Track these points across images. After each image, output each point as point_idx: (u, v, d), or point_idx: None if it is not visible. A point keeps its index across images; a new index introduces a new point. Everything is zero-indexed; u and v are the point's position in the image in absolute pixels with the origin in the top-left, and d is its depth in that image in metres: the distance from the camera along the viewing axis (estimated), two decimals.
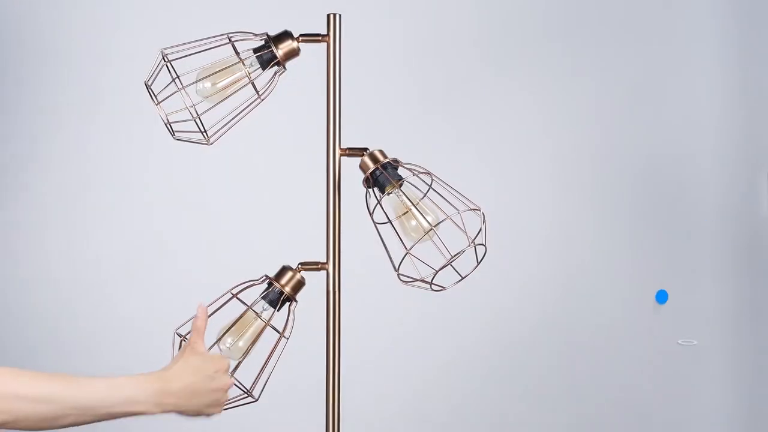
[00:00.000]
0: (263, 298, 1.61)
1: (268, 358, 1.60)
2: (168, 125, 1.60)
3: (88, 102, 2.48)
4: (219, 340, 1.58)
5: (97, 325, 2.48)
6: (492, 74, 2.76)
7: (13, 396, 1.20)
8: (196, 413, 1.39)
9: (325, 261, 1.65)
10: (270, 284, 1.61)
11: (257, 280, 1.62)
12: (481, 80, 2.74)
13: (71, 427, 1.28)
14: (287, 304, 1.61)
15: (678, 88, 2.90)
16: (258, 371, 1.61)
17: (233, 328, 1.59)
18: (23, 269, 2.45)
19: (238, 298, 1.59)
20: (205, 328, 1.46)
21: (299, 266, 1.63)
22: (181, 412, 1.37)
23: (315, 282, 1.66)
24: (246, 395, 1.60)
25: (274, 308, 1.61)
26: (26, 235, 2.46)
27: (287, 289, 1.61)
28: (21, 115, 2.48)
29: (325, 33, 1.64)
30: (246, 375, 1.62)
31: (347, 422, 1.76)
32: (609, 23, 2.85)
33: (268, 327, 1.60)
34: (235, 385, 1.56)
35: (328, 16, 1.65)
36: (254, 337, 1.60)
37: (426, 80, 2.70)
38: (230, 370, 1.51)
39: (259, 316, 1.60)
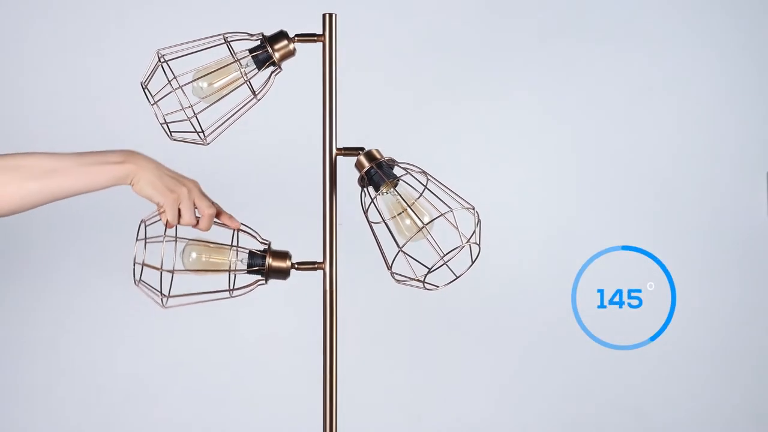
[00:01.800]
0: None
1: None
2: (164, 126, 1.61)
3: (84, 102, 2.49)
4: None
5: (97, 326, 2.48)
6: (489, 73, 2.76)
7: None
8: (148, 188, 1.52)
9: (321, 261, 1.66)
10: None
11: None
12: (477, 79, 2.74)
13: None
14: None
15: (677, 88, 2.89)
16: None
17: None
18: (22, 269, 2.45)
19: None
20: (200, 201, 1.55)
21: (296, 266, 1.63)
22: (136, 183, 1.52)
23: (312, 282, 1.67)
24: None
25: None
26: (23, 235, 2.46)
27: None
28: (19, 115, 2.49)
29: (321, 33, 1.65)
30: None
31: (345, 422, 1.76)
32: (606, 22, 2.85)
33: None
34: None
35: (324, 15, 1.65)
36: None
37: (422, 80, 2.70)
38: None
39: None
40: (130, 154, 1.53)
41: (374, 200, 1.60)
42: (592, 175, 2.85)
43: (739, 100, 2.91)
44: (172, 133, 1.62)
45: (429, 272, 1.55)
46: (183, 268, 1.59)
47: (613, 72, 2.85)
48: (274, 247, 1.63)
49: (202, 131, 1.61)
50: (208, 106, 1.62)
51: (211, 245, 1.60)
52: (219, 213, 1.59)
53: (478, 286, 2.20)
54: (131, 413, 2.64)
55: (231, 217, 1.61)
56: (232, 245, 1.61)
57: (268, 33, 1.62)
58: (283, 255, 1.62)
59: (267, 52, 1.60)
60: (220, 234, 1.61)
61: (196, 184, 1.56)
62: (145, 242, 1.57)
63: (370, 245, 1.61)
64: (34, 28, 2.53)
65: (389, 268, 1.58)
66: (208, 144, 1.63)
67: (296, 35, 1.63)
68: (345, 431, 1.75)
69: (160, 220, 1.55)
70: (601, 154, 2.85)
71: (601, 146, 2.85)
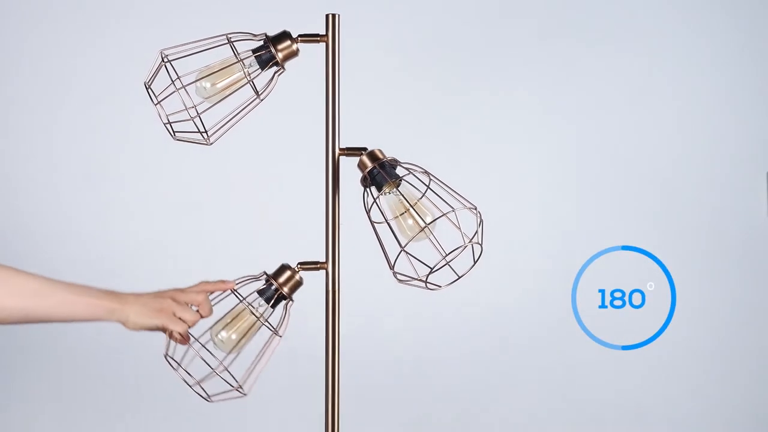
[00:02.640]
0: (260, 294, 1.62)
1: (259, 354, 1.60)
2: (168, 126, 1.61)
3: (87, 102, 2.49)
4: (211, 329, 1.59)
5: (97, 325, 2.48)
6: (490, 73, 2.76)
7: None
8: (139, 318, 1.51)
9: (324, 261, 1.66)
10: (268, 281, 1.62)
11: (257, 276, 1.62)
12: (479, 80, 2.75)
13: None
14: (283, 302, 1.62)
15: (677, 88, 2.90)
16: (251, 367, 1.61)
17: (228, 321, 1.59)
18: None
19: (235, 293, 1.59)
20: (187, 297, 1.56)
21: (298, 266, 1.64)
22: (125, 320, 1.51)
23: (314, 281, 1.67)
24: (236, 390, 1.60)
25: (270, 306, 1.61)
26: (24, 237, 2.47)
27: (285, 289, 1.61)
28: (20, 115, 2.49)
29: (324, 33, 1.65)
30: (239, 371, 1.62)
31: (346, 422, 1.77)
32: (606, 22, 2.85)
33: (264, 325, 1.60)
34: (226, 380, 1.57)
35: (327, 16, 1.65)
36: (247, 331, 1.60)
37: (425, 80, 2.70)
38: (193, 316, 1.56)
39: (254, 312, 1.60)
40: (115, 295, 1.53)
41: (377, 200, 1.60)
42: (592, 175, 2.85)
43: (739, 100, 2.92)
44: (176, 133, 1.62)
45: (431, 272, 1.55)
46: (227, 354, 1.59)
47: (614, 72, 2.85)
48: (270, 270, 1.63)
49: (206, 131, 1.62)
50: (211, 106, 1.62)
51: (228, 317, 1.60)
52: (209, 291, 1.59)
53: (478, 286, 2.20)
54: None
55: (220, 281, 1.61)
56: (241, 301, 1.61)
57: (271, 33, 1.62)
58: (283, 270, 1.62)
59: (270, 52, 1.61)
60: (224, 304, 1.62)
61: (173, 289, 1.57)
62: (180, 366, 1.56)
63: (373, 245, 1.61)
64: (36, 28, 2.54)
65: (391, 267, 1.58)
66: (212, 144, 1.63)
67: (299, 35, 1.63)
68: (346, 430, 1.75)
69: (174, 341, 1.56)
70: (602, 154, 2.85)
71: (602, 146, 2.85)
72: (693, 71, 2.91)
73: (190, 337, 1.56)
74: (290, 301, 1.62)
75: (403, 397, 2.70)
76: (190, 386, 1.58)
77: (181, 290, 1.57)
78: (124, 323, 1.53)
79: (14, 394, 2.61)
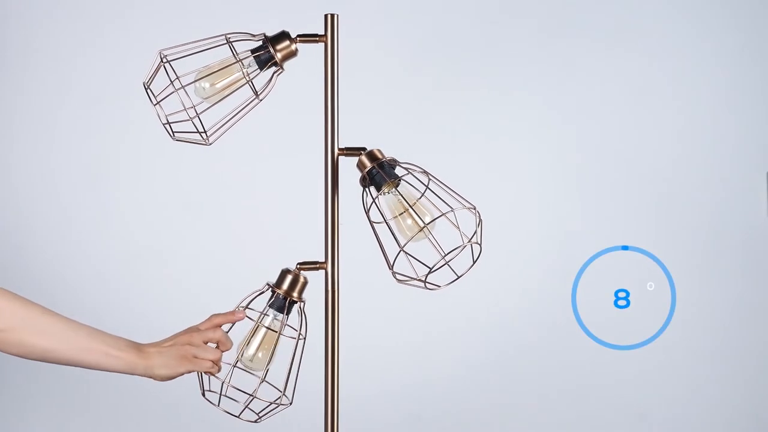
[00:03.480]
0: (271, 306, 1.62)
1: (291, 362, 1.60)
2: (167, 126, 1.61)
3: (86, 103, 2.49)
4: (239, 356, 1.61)
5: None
6: (490, 73, 2.76)
7: (10, 308, 1.48)
8: (164, 371, 1.55)
9: (323, 261, 1.66)
10: (274, 292, 1.62)
11: (262, 289, 1.63)
12: (479, 79, 2.75)
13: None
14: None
15: (677, 88, 2.90)
16: (286, 377, 1.61)
17: (250, 341, 1.60)
18: (23, 272, 2.46)
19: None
20: (204, 336, 1.60)
21: (298, 266, 1.64)
22: (161, 362, 1.55)
23: (313, 281, 1.67)
24: (279, 400, 1.61)
25: (284, 313, 1.62)
26: (24, 236, 2.47)
27: (294, 294, 1.62)
28: (20, 115, 2.49)
29: (323, 33, 1.65)
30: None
31: (346, 421, 1.77)
32: (606, 22, 2.85)
33: (283, 336, 1.61)
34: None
35: (326, 16, 1.65)
36: (272, 344, 1.61)
37: (423, 80, 2.71)
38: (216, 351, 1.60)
39: (272, 329, 1.61)
40: (136, 349, 1.56)
41: (376, 200, 1.60)
42: (592, 174, 2.85)
43: (739, 100, 2.91)
44: (175, 134, 1.63)
45: (430, 272, 1.56)
46: (263, 369, 1.62)
47: (614, 71, 2.85)
48: (272, 278, 1.64)
49: (205, 131, 1.62)
50: (210, 107, 1.62)
51: (248, 338, 1.61)
52: (222, 323, 1.62)
53: (478, 285, 2.20)
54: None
55: (230, 313, 1.63)
56: (259, 324, 1.62)
57: (270, 33, 1.62)
58: (285, 276, 1.63)
59: (269, 52, 1.61)
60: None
61: (188, 331, 1.60)
62: (222, 394, 1.61)
63: (372, 245, 1.61)
64: (35, 28, 2.54)
65: (391, 267, 1.58)
66: (211, 144, 1.63)
67: (298, 36, 1.63)
68: (345, 431, 1.75)
69: (210, 375, 1.61)
70: (602, 154, 2.85)
71: (602, 146, 2.85)
72: (693, 71, 2.91)
73: (222, 365, 1.60)
74: (302, 303, 1.63)
75: (403, 396, 2.70)
76: (236, 416, 1.61)
77: (197, 330, 1.60)
78: (150, 377, 1.56)
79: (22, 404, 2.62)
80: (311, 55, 1.72)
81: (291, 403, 1.63)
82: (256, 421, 1.62)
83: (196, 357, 1.58)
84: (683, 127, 2.91)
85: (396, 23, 2.70)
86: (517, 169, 2.80)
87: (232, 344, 1.63)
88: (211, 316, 1.62)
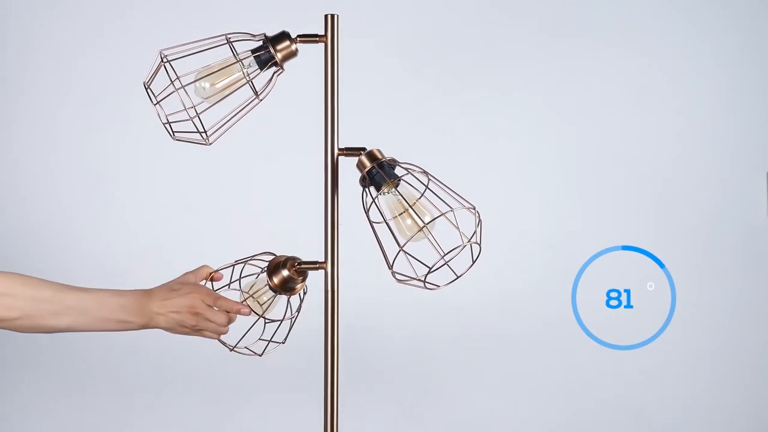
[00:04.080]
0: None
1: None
2: (167, 126, 1.61)
3: (86, 102, 2.50)
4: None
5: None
6: (490, 73, 2.77)
7: (22, 296, 1.51)
8: (170, 331, 1.60)
9: (323, 260, 1.66)
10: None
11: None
12: (478, 79, 2.75)
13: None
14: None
15: (677, 88, 2.90)
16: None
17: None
18: (24, 271, 2.46)
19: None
20: (204, 281, 1.65)
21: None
22: (166, 326, 1.60)
23: (313, 281, 1.67)
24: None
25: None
26: (24, 236, 2.47)
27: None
28: (20, 116, 2.49)
29: (323, 33, 1.65)
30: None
31: (346, 421, 1.77)
32: (606, 22, 2.86)
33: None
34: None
35: (326, 16, 1.66)
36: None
37: (423, 80, 2.71)
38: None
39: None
40: (140, 310, 1.59)
41: (375, 200, 1.60)
42: (592, 175, 2.85)
43: (739, 100, 2.91)
44: (175, 133, 1.63)
45: (430, 272, 1.56)
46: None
47: (614, 71, 2.85)
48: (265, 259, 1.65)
49: (205, 131, 1.62)
50: (210, 107, 1.62)
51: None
52: (226, 309, 1.64)
53: (478, 285, 2.20)
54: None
55: (239, 306, 1.64)
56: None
57: (271, 34, 1.62)
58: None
59: (269, 52, 1.61)
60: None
61: (193, 297, 1.61)
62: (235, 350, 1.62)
63: (372, 245, 1.62)
64: (35, 28, 2.54)
65: (390, 267, 1.58)
66: (211, 144, 1.64)
67: (298, 36, 1.63)
68: (345, 430, 1.76)
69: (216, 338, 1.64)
70: (602, 154, 2.86)
71: (602, 146, 2.86)
72: (693, 71, 2.91)
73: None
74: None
75: (402, 395, 2.70)
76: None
77: (202, 304, 1.60)
78: (151, 325, 1.60)
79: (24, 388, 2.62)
80: (311, 55, 1.72)
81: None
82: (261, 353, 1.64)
83: (199, 330, 1.60)
84: (683, 127, 2.91)
85: (396, 23, 2.70)
86: (517, 169, 2.80)
87: (247, 309, 1.64)
88: (221, 300, 1.62)
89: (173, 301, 1.60)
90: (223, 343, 1.66)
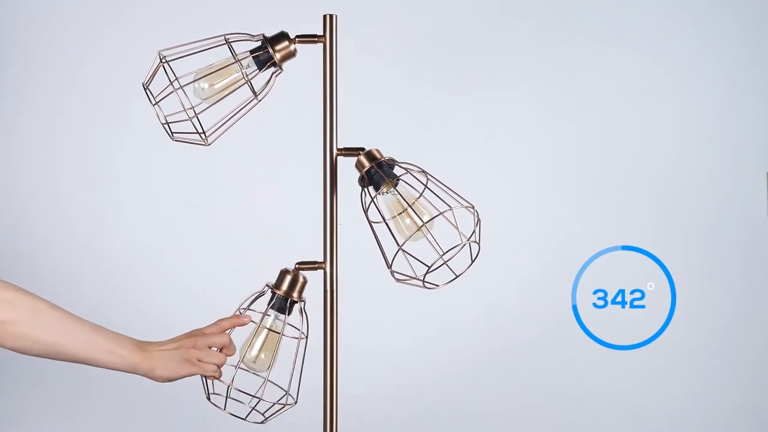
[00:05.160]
0: (271, 307, 1.62)
1: (294, 361, 1.61)
2: (166, 126, 1.61)
3: (85, 103, 2.50)
4: (242, 357, 1.61)
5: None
6: (489, 73, 2.77)
7: (19, 301, 1.49)
8: (166, 373, 1.56)
9: (322, 260, 1.66)
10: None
11: (261, 290, 1.63)
12: (478, 79, 2.75)
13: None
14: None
15: (678, 87, 2.90)
16: (290, 376, 1.62)
17: (252, 342, 1.61)
18: (24, 271, 2.46)
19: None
20: (209, 341, 1.60)
21: (296, 266, 1.64)
22: (163, 364, 1.57)
23: (312, 281, 1.68)
24: (284, 399, 1.62)
25: (285, 313, 1.62)
26: (24, 236, 2.48)
27: (294, 295, 1.62)
28: (19, 116, 2.50)
29: (322, 34, 1.66)
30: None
31: (345, 421, 1.77)
32: (606, 22, 2.86)
33: (285, 335, 1.61)
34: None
35: (324, 17, 1.66)
36: (274, 345, 1.62)
37: (422, 80, 2.71)
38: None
39: (275, 330, 1.61)
40: (139, 348, 1.57)
41: (374, 200, 1.60)
42: (592, 175, 2.85)
43: (739, 100, 2.92)
44: (174, 134, 1.63)
45: (429, 271, 1.56)
46: (267, 370, 1.63)
47: (614, 71, 2.85)
48: (271, 279, 1.65)
49: (204, 132, 1.62)
50: (209, 107, 1.63)
51: (250, 339, 1.62)
52: (228, 328, 1.63)
53: (477, 285, 2.20)
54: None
55: (235, 317, 1.64)
56: (260, 326, 1.62)
57: (269, 34, 1.63)
58: (284, 276, 1.63)
59: (268, 52, 1.61)
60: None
61: (192, 334, 1.61)
62: (228, 396, 1.61)
63: (371, 245, 1.62)
64: (34, 28, 2.54)
65: (389, 267, 1.59)
66: (210, 144, 1.64)
67: (297, 36, 1.63)
68: (345, 431, 1.76)
69: (213, 379, 1.62)
70: (601, 153, 2.86)
71: (601, 146, 2.86)
72: (693, 71, 2.91)
73: (223, 371, 1.61)
74: (302, 302, 1.63)
75: (402, 396, 2.70)
76: (243, 419, 1.61)
77: (202, 333, 1.60)
78: (151, 378, 1.58)
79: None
80: (310, 55, 1.72)
81: (296, 402, 1.64)
82: (262, 422, 1.62)
83: (200, 360, 1.59)
84: (683, 127, 2.91)
85: (395, 23, 2.70)
86: (517, 169, 2.80)
87: (235, 349, 1.63)
88: (218, 320, 1.63)
89: (170, 341, 1.60)
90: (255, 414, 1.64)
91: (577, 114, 2.83)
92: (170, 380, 1.59)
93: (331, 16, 1.66)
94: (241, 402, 1.61)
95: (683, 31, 2.91)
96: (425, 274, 1.56)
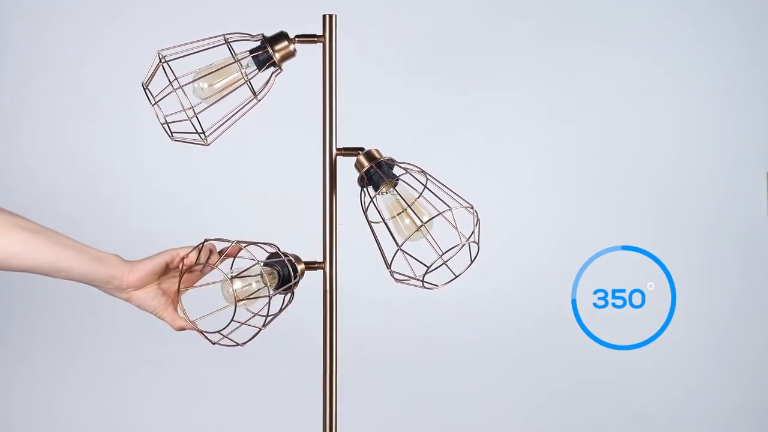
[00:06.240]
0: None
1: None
2: (165, 126, 1.61)
3: (85, 103, 2.50)
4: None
5: (97, 322, 2.49)
6: (489, 73, 2.77)
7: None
8: (145, 263, 1.56)
9: (322, 260, 1.66)
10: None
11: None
12: (477, 80, 2.75)
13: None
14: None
15: (678, 87, 2.90)
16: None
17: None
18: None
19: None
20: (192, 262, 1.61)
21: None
22: (130, 271, 1.55)
23: (312, 281, 1.67)
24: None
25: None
26: None
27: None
28: (19, 116, 2.50)
29: (321, 34, 1.66)
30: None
31: (345, 421, 1.77)
32: (608, 22, 2.86)
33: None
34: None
35: (324, 17, 1.66)
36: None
37: (422, 80, 2.71)
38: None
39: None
40: (116, 259, 1.57)
41: (374, 200, 1.60)
42: (592, 175, 2.85)
43: (739, 100, 2.92)
44: (173, 134, 1.63)
45: (428, 271, 1.56)
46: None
47: (614, 72, 2.85)
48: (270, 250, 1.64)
49: (203, 132, 1.62)
50: (208, 107, 1.62)
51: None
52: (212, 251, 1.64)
53: (477, 285, 2.20)
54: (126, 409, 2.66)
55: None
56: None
57: (269, 34, 1.63)
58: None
59: (267, 52, 1.61)
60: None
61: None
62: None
63: (370, 245, 1.62)
64: (35, 28, 2.54)
65: (389, 267, 1.58)
66: (209, 144, 1.64)
67: (296, 36, 1.63)
68: (345, 430, 1.76)
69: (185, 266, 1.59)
70: (601, 154, 2.86)
71: (601, 146, 2.86)
72: (693, 71, 2.91)
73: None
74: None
75: (402, 396, 2.71)
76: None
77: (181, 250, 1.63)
78: (127, 273, 1.55)
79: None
80: (310, 55, 1.72)
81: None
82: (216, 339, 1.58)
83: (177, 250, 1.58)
84: (683, 127, 2.91)
85: (394, 23, 2.70)
86: (516, 169, 2.80)
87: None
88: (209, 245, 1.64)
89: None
90: (206, 338, 1.57)
91: (577, 114, 2.83)
92: (148, 277, 1.56)
93: (330, 16, 1.66)
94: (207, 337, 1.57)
95: (683, 31, 2.91)
96: (424, 274, 1.56)
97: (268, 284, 1.60)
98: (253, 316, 1.58)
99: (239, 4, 2.56)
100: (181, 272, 1.58)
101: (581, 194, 2.84)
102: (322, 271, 1.66)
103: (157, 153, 2.47)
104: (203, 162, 2.46)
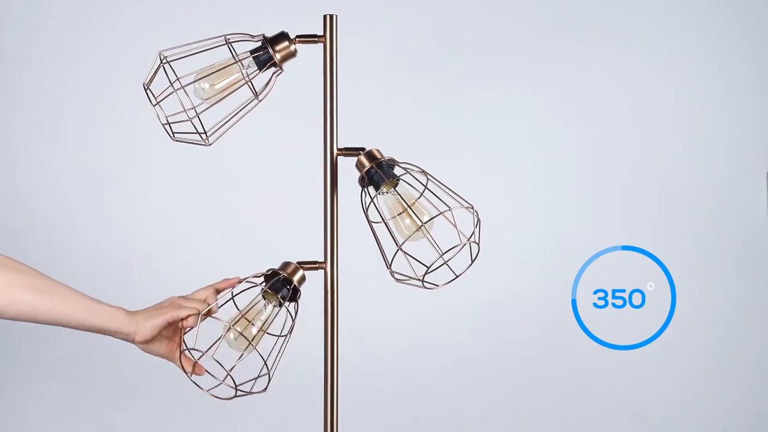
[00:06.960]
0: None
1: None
2: (166, 126, 1.62)
3: (86, 103, 2.50)
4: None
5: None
6: (489, 74, 2.77)
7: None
8: (148, 321, 1.55)
9: (322, 260, 1.66)
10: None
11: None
12: (478, 80, 2.76)
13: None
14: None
15: (678, 87, 2.90)
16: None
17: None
18: None
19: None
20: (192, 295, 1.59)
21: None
22: (135, 328, 1.55)
23: (313, 281, 1.68)
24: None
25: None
26: (26, 238, 2.48)
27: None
28: (19, 117, 2.50)
29: (322, 34, 1.66)
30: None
31: (345, 421, 1.77)
32: (606, 22, 2.86)
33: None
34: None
35: (325, 17, 1.66)
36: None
37: (422, 80, 2.71)
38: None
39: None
40: (122, 308, 1.57)
41: (374, 200, 1.60)
42: (592, 175, 2.86)
43: (739, 100, 2.92)
44: (175, 134, 1.63)
45: (428, 271, 1.56)
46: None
47: (614, 72, 2.86)
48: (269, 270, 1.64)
49: (204, 132, 1.62)
50: (209, 107, 1.63)
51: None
52: (216, 290, 1.62)
53: (477, 285, 2.21)
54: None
55: (224, 280, 1.63)
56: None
57: (270, 34, 1.63)
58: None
59: (268, 53, 1.61)
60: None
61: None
62: (207, 350, 1.58)
63: (371, 245, 1.62)
64: (35, 29, 2.55)
65: (389, 267, 1.59)
66: (210, 145, 1.64)
67: (297, 36, 1.63)
68: (345, 431, 1.76)
69: (188, 327, 1.58)
70: (602, 154, 2.86)
71: (602, 146, 2.86)
72: (693, 71, 2.92)
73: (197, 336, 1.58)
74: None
75: (402, 396, 2.71)
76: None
77: (181, 297, 1.60)
78: (134, 332, 1.55)
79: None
80: (310, 55, 1.72)
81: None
82: (231, 398, 1.61)
83: (180, 305, 1.57)
84: (683, 127, 2.91)
85: (395, 24, 2.70)
86: (517, 169, 2.80)
87: (217, 301, 1.61)
88: (207, 286, 1.63)
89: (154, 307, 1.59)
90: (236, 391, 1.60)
91: (577, 114, 2.84)
92: (153, 332, 1.56)
93: (331, 16, 1.66)
94: (214, 377, 1.60)
95: (683, 31, 2.91)
96: (425, 274, 1.56)
97: (270, 317, 1.61)
98: (264, 364, 1.61)
99: (240, 4, 2.56)
100: (181, 336, 1.59)
101: (581, 194, 2.85)
102: (322, 270, 1.66)
103: (158, 153, 2.47)
104: (204, 162, 2.46)
